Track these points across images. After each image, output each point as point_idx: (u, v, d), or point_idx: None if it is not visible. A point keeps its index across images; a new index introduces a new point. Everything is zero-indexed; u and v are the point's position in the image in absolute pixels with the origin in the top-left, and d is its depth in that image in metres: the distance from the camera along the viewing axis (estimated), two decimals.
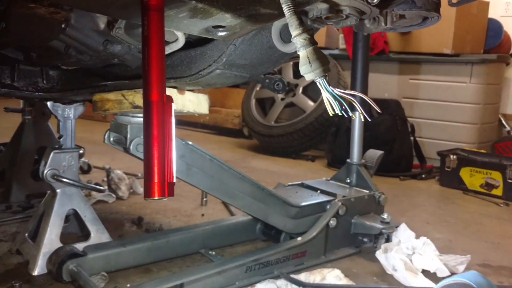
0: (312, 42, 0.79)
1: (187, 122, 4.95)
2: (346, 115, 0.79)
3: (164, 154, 0.63)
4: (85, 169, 2.84)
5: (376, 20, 1.25)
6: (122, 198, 2.35)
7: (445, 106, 3.51)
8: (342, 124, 3.35)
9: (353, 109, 0.79)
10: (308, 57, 0.78)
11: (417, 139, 3.49)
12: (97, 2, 0.69)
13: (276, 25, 1.04)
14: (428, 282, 1.54)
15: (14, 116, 2.24)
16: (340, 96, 0.78)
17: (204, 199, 2.34)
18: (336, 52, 4.06)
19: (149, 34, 0.65)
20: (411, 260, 1.64)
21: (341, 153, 3.14)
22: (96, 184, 2.34)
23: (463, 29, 3.44)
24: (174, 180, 0.64)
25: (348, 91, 0.79)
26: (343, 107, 0.78)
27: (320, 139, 3.70)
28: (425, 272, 1.62)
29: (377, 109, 0.77)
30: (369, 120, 0.84)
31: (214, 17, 0.78)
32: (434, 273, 1.63)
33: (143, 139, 0.63)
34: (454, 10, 3.28)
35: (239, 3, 0.77)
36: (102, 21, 1.06)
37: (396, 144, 3.32)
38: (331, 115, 0.80)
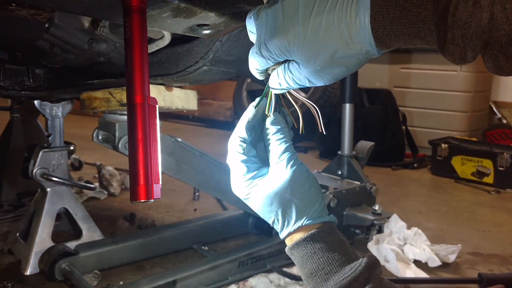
0: None
1: (178, 115, 4.93)
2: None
3: (149, 157, 0.62)
4: (76, 166, 2.83)
5: None
6: (114, 195, 2.34)
7: (436, 95, 3.52)
8: (334, 115, 3.35)
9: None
10: None
11: (409, 128, 3.50)
12: (78, 4, 0.67)
13: None
14: (420, 272, 1.56)
15: (2, 114, 2.22)
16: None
17: (196, 193, 2.34)
18: None
19: (131, 36, 0.64)
20: (402, 251, 1.65)
21: (332, 144, 3.14)
22: (87, 181, 2.33)
23: None
24: (160, 182, 0.64)
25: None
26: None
27: (311, 130, 3.69)
28: (417, 262, 1.63)
29: (322, 129, 0.74)
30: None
31: (198, 16, 0.77)
32: (426, 263, 1.64)
33: (128, 143, 0.62)
34: None
35: (223, 1, 0.76)
36: (86, 20, 1.04)
37: (387, 133, 3.32)
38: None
